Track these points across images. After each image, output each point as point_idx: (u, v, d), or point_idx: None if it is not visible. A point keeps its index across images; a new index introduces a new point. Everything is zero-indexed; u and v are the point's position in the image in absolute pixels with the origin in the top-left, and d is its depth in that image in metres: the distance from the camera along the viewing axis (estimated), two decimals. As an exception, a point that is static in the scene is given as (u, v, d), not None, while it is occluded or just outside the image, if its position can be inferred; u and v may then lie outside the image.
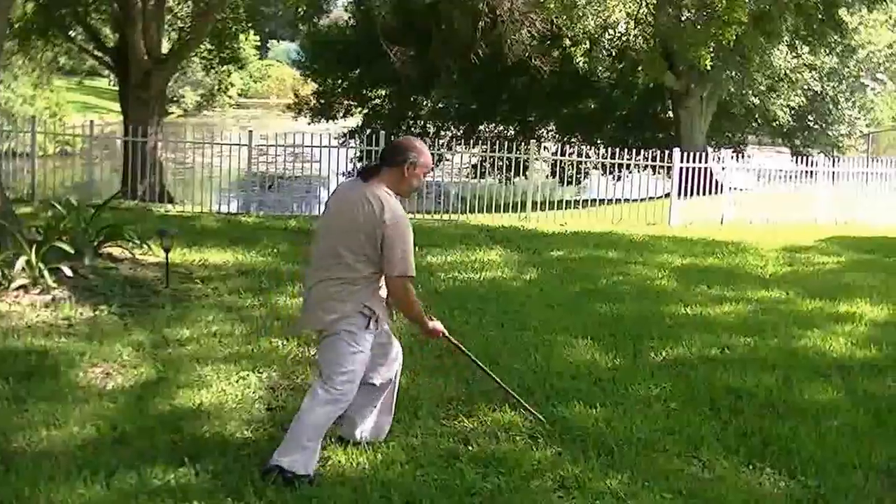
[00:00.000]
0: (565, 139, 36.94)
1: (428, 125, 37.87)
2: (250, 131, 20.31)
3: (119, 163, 21.72)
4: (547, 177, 28.76)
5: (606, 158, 22.20)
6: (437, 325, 6.38)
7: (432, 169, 6.31)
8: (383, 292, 6.11)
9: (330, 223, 6.16)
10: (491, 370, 7.30)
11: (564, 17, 24.66)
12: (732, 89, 32.31)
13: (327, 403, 5.96)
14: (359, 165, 28.62)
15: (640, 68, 31.67)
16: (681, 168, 21.18)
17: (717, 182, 22.31)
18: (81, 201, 13.19)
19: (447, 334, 6.52)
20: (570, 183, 25.82)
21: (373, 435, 6.50)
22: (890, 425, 7.30)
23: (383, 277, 6.03)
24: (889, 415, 7.51)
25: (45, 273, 10.15)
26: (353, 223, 5.95)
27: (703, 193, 21.54)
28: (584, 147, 33.01)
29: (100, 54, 25.94)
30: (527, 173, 21.88)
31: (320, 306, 6.03)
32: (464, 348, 6.78)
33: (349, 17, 38.46)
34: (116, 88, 26.60)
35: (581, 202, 23.23)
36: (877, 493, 6.10)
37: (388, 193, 6.02)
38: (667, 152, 21.26)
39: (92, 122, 20.32)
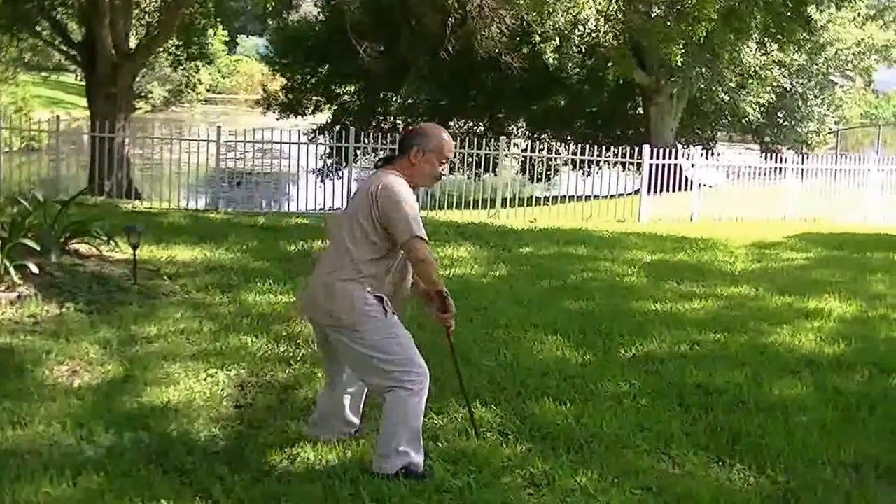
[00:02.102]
0: (535, 135, 36.98)
1: (397, 121, 37.83)
2: (219, 127, 20.22)
3: (86, 158, 21.61)
4: (517, 173, 28.89)
5: (576, 155, 22.26)
6: (451, 304, 6.06)
7: (448, 156, 6.10)
8: (389, 281, 5.95)
9: (341, 218, 6.07)
10: (461, 367, 7.29)
11: (534, 14, 24.64)
12: (702, 86, 32.42)
13: (407, 400, 5.85)
14: (328, 161, 28.71)
15: (610, 65, 31.73)
16: (651, 164, 21.23)
17: (686, 178, 22.39)
18: (48, 197, 13.06)
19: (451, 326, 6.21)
20: (539, 179, 25.94)
21: (339, 435, 6.45)
22: (858, 421, 7.31)
23: (389, 263, 5.91)
24: (857, 410, 7.52)
25: (11, 270, 10.04)
26: (354, 209, 5.88)
27: (673, 190, 21.59)
28: (553, 143, 33.10)
29: (66, 49, 25.72)
30: (496, 170, 21.87)
31: (331, 302, 5.84)
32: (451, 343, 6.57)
33: (318, 13, 38.35)
34: (83, 84, 26.41)
35: (551, 199, 23.21)
36: (845, 488, 6.10)
37: (394, 175, 5.92)
38: (637, 149, 21.33)
39: (58, 117, 20.21)
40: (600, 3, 28.30)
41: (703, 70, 31.27)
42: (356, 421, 6.49)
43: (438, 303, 6.01)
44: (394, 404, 5.82)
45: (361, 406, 6.53)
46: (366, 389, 6.41)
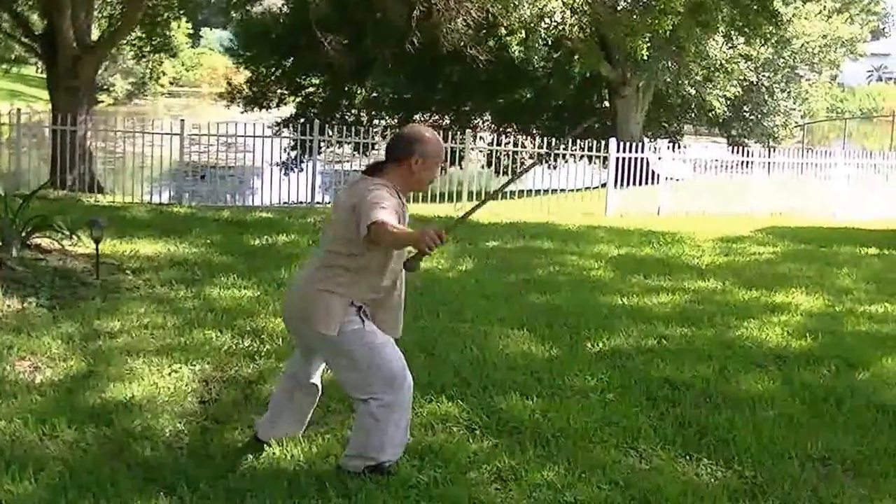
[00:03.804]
0: (501, 129, 37.02)
1: (362, 114, 37.79)
2: (182, 120, 20.09)
3: (47, 152, 21.44)
4: (482, 167, 28.86)
5: (542, 148, 22.27)
6: (429, 230, 5.33)
7: (444, 159, 5.83)
8: (374, 285, 5.75)
9: (333, 218, 5.86)
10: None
11: (500, 6, 24.57)
12: (668, 79, 32.54)
13: (379, 411, 5.69)
14: (292, 154, 28.60)
15: (576, 58, 31.84)
16: (617, 158, 21.26)
17: (653, 172, 22.42)
18: (8, 191, 12.99)
19: (447, 228, 5.56)
20: (505, 173, 25.85)
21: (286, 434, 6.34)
22: (826, 415, 7.31)
23: (371, 273, 5.67)
24: (824, 404, 7.53)
25: (-29, 264, 9.98)
26: (339, 218, 5.65)
27: (640, 183, 21.64)
28: (519, 137, 33.14)
29: (27, 41, 25.53)
30: (462, 163, 21.85)
31: (304, 304, 5.68)
32: (470, 209, 6.04)
33: (282, 5, 38.21)
34: (44, 76, 26.23)
35: (517, 192, 23.20)
36: (812, 482, 6.10)
37: (380, 184, 5.60)
38: (603, 142, 21.33)
39: (19, 110, 20.02)
40: (566, -4, 28.32)
41: (670, 63, 31.37)
42: (319, 385, 6.25)
43: (423, 242, 5.30)
44: (367, 414, 5.71)
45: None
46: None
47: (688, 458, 6.40)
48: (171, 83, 75.54)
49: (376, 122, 37.37)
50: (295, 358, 6.22)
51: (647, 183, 21.97)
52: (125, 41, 29.13)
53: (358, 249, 5.55)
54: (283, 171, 24.09)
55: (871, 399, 7.71)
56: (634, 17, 27.21)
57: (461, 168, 21.96)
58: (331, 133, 20.95)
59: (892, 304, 11.44)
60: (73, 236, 12.02)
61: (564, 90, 37.60)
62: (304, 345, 6.03)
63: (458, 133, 23.37)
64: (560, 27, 29.73)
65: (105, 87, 53.68)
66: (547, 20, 29.54)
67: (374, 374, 5.66)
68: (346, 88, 37.84)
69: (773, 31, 31.47)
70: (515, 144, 28.66)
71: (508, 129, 37.37)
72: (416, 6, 21.52)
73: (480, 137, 32.61)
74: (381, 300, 5.81)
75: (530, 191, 24.64)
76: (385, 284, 5.78)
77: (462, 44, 22.68)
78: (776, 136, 41.09)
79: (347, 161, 24.26)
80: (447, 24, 21.81)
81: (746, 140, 37.82)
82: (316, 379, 6.13)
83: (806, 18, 39.65)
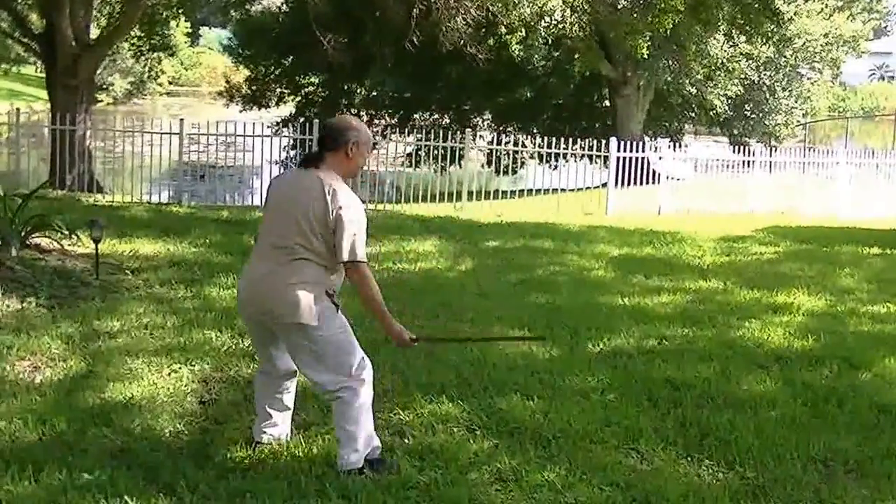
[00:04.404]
0: (501, 128, 37.02)
1: (362, 113, 37.76)
2: (181, 119, 20.08)
3: (47, 151, 21.42)
4: (483, 166, 28.84)
5: (542, 148, 22.23)
6: (403, 331, 5.97)
7: (374, 145, 6.09)
8: (339, 278, 5.89)
9: (279, 212, 5.86)
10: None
11: (499, 5, 24.54)
12: (669, 78, 32.52)
13: (360, 394, 5.83)
14: (292, 154, 28.56)
15: (576, 57, 31.76)
16: (617, 157, 21.25)
17: (654, 172, 22.39)
18: (7, 191, 12.95)
19: (418, 338, 6.14)
20: (506, 172, 25.90)
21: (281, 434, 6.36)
22: (827, 415, 7.29)
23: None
24: (826, 405, 7.51)
25: (-29, 264, 9.95)
26: (306, 210, 5.69)
27: (640, 183, 21.62)
28: (520, 136, 33.12)
29: (26, 40, 25.53)
30: (462, 162, 21.84)
31: (282, 298, 5.71)
32: (444, 337, 6.46)
33: (282, 4, 38.24)
34: (43, 76, 26.20)
35: (517, 192, 23.20)
36: (814, 483, 6.09)
37: (339, 180, 5.80)
38: (603, 142, 21.32)
39: (18, 109, 20.00)
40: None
41: (670, 62, 31.37)
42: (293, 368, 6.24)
43: (389, 334, 6.00)
44: (349, 402, 5.77)
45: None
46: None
47: (689, 458, 6.39)
48: (170, 82, 75.56)
49: (377, 121, 37.36)
50: (262, 355, 6.26)
51: (647, 182, 21.96)
52: (124, 40, 29.06)
53: (328, 257, 5.73)
54: (282, 171, 24.05)
55: (874, 399, 7.69)
56: (635, 15, 27.19)
57: (461, 167, 21.94)
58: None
59: (895, 304, 11.43)
60: (73, 236, 12.01)
61: (564, 89, 37.58)
62: (263, 335, 6.06)
63: (458, 132, 23.35)
64: (560, 26, 29.68)
65: (104, 86, 53.65)
66: (547, 19, 29.49)
67: (347, 358, 5.79)
68: (346, 87, 37.88)
69: (775, 30, 31.42)
70: (515, 143, 28.65)
71: (508, 128, 37.40)
72: (416, 4, 21.49)
73: (480, 136, 32.58)
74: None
75: (531, 190, 24.62)
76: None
77: (462, 42, 22.63)
78: (778, 135, 41.08)
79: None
80: (447, 23, 21.77)
81: (748, 139, 37.78)
82: (289, 363, 6.13)
83: (807, 16, 39.59)
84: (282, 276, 5.72)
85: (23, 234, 11.48)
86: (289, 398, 6.29)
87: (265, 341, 6.08)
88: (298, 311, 5.66)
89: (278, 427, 6.26)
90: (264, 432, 6.23)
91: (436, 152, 22.01)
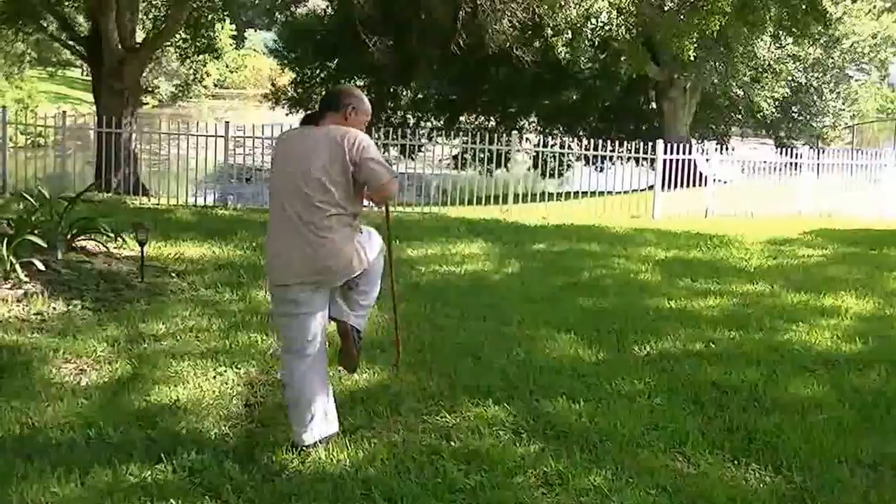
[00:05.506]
0: (547, 130, 36.96)
1: (408, 116, 37.82)
2: (227, 122, 20.19)
3: (92, 154, 21.59)
4: (529, 169, 28.82)
5: (589, 150, 22.18)
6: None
7: (371, 119, 6.25)
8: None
9: (292, 176, 5.97)
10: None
11: (546, 7, 24.53)
12: (716, 80, 32.35)
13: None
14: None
15: (622, 59, 31.69)
16: (664, 160, 21.14)
17: (700, 174, 22.28)
18: (54, 193, 13.04)
19: None
20: (552, 175, 25.84)
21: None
22: (875, 420, 7.21)
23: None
24: (874, 409, 7.43)
25: (17, 267, 9.98)
26: (322, 163, 5.87)
27: (687, 186, 21.51)
28: (566, 139, 33.04)
29: (72, 44, 25.72)
30: (508, 165, 21.82)
31: (334, 256, 5.94)
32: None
33: (326, 6, 38.27)
34: (90, 79, 26.38)
35: (563, 194, 23.15)
36: (862, 488, 6.02)
37: (339, 126, 6.06)
38: (650, 144, 21.22)
39: (64, 112, 20.18)
40: (613, -4, 28.24)
41: (717, 64, 31.22)
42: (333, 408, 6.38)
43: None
44: (368, 307, 6.51)
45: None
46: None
47: (736, 462, 6.33)
48: (216, 85, 75.77)
49: (423, 123, 37.41)
50: (295, 346, 6.19)
51: (694, 185, 21.84)
52: (169, 43, 29.20)
53: (351, 189, 5.98)
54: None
55: (923, 403, 7.60)
56: (681, 17, 27.11)
57: (507, 170, 21.91)
58: (377, 135, 20.95)
59: (944, 307, 11.29)
60: (119, 239, 12.07)
61: (611, 91, 37.46)
62: (305, 298, 6.09)
63: (504, 134, 23.33)
64: (606, 28, 29.68)
65: (149, 89, 53.87)
66: (593, 21, 29.52)
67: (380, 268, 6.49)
68: (392, 90, 37.88)
69: (822, 31, 31.27)
70: (562, 146, 28.56)
71: (554, 131, 37.31)
72: (462, 7, 21.50)
73: (526, 139, 32.56)
74: None
75: (577, 193, 24.55)
76: None
77: (508, 45, 22.66)
78: (825, 137, 40.81)
79: (394, 164, 24.26)
80: (493, 25, 21.79)
81: (794, 141, 37.54)
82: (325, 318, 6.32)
83: (856, 17, 39.30)
84: (326, 237, 5.91)
85: (69, 236, 11.54)
86: (323, 376, 6.34)
87: (305, 302, 6.09)
88: (352, 264, 6.02)
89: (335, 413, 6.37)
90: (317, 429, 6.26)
91: (482, 155, 22.00)
